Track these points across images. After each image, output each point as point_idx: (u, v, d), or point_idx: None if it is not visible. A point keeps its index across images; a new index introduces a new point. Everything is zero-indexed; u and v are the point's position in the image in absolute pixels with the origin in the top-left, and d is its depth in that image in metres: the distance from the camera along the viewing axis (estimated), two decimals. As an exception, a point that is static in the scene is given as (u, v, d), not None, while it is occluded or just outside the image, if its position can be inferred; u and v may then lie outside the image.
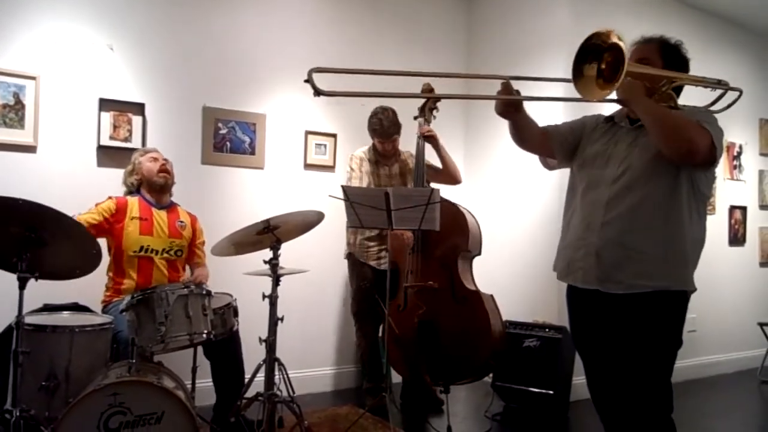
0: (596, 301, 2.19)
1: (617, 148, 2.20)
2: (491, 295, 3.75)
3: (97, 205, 3.28)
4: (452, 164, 4.22)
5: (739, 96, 2.28)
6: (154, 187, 3.41)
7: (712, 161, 2.03)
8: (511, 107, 2.25)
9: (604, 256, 2.14)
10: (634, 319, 2.11)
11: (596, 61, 1.99)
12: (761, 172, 5.90)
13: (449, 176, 4.22)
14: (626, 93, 2.08)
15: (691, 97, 2.31)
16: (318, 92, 1.98)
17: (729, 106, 2.30)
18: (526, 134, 2.38)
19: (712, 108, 2.27)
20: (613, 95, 2.03)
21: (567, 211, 2.36)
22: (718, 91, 2.30)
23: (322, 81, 1.98)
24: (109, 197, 3.35)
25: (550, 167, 2.54)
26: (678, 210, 2.07)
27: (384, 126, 4.01)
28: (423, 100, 4.10)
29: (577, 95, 2.04)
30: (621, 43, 1.92)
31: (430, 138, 4.02)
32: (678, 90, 2.25)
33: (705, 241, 2.18)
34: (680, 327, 2.14)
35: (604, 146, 2.25)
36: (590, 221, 2.19)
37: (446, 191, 4.00)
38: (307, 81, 1.95)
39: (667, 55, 2.23)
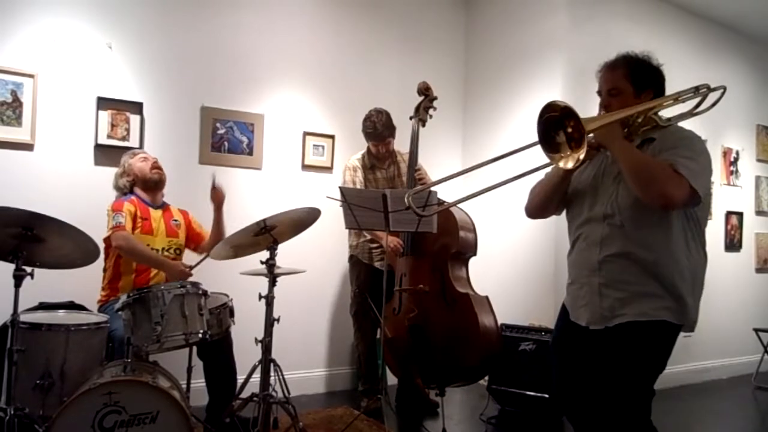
0: (586, 335, 2.19)
1: (604, 182, 2.19)
2: (486, 297, 3.73)
3: (117, 211, 3.20)
4: None
5: (723, 93, 2.23)
6: (149, 185, 3.41)
7: (696, 202, 2.01)
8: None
9: (607, 294, 2.13)
10: (627, 347, 2.10)
11: (561, 129, 1.96)
12: (758, 178, 5.92)
13: None
14: (603, 137, 2.08)
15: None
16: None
17: (713, 105, 2.26)
18: (561, 194, 2.32)
19: (697, 110, 2.25)
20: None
21: (570, 240, 2.35)
22: (702, 92, 2.25)
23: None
24: (120, 204, 3.26)
25: (557, 214, 2.47)
26: (675, 242, 2.06)
27: (378, 129, 4.03)
28: (419, 99, 4.11)
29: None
30: (569, 106, 1.90)
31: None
32: (662, 93, 2.21)
33: (705, 268, 2.19)
34: (669, 353, 2.14)
35: (593, 179, 2.24)
36: (588, 259, 2.19)
37: (445, 194, 4.00)
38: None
39: (636, 77, 2.17)
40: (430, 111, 4.11)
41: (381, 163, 4.17)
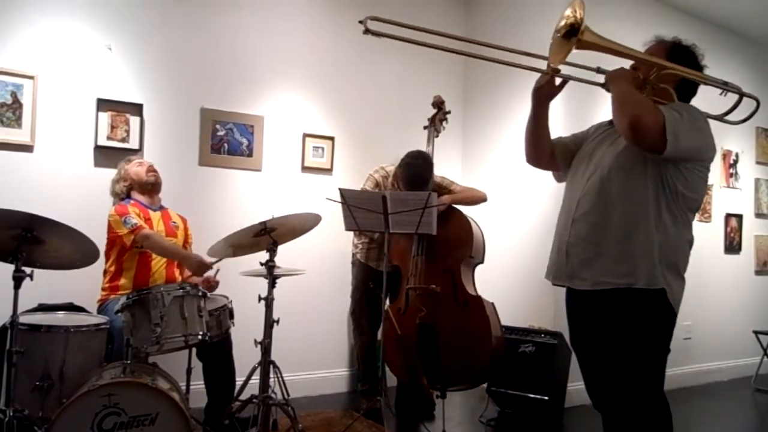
0: (574, 298, 2.21)
1: (601, 148, 2.21)
2: (492, 303, 3.75)
3: (124, 215, 3.22)
4: (470, 196, 4.13)
5: (757, 107, 2.19)
6: (146, 188, 3.44)
7: (662, 147, 1.93)
8: (551, 92, 2.26)
9: (572, 253, 2.14)
10: (606, 318, 2.09)
11: (576, 37, 2.12)
12: (757, 181, 5.92)
13: (473, 203, 4.14)
14: (611, 77, 2.11)
15: (707, 107, 2.21)
16: (368, 31, 2.16)
17: (747, 118, 2.21)
18: (542, 141, 2.35)
19: (728, 117, 2.22)
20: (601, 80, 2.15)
21: None
22: (734, 100, 2.23)
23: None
24: (124, 208, 3.28)
25: (560, 180, 2.49)
26: (644, 207, 2.03)
27: (416, 180, 3.80)
28: (433, 112, 4.12)
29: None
30: (578, 15, 2.12)
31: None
32: (687, 93, 2.20)
33: (686, 243, 2.12)
34: (660, 330, 2.07)
35: (592, 147, 2.26)
36: (566, 219, 2.21)
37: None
38: (361, 22, 2.13)
39: (674, 56, 2.18)
40: (444, 123, 4.13)
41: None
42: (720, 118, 2.23)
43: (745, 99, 2.24)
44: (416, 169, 3.82)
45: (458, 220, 3.82)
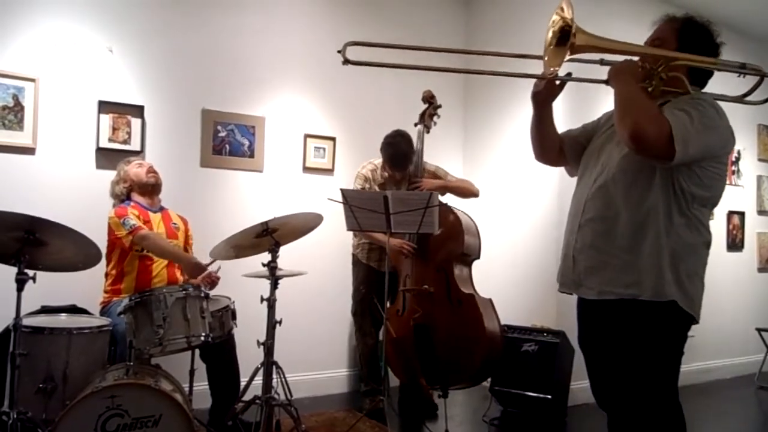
0: (583, 306, 2.16)
1: (609, 144, 2.09)
2: (489, 299, 3.75)
3: (123, 216, 3.22)
4: (462, 186, 4.16)
5: None
6: (146, 189, 3.43)
7: (670, 155, 1.79)
8: (551, 95, 2.16)
9: (579, 260, 2.05)
10: (614, 327, 2.00)
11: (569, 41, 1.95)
12: (759, 178, 5.92)
13: (464, 194, 4.17)
14: (613, 71, 1.97)
15: (727, 88, 2.08)
16: (347, 61, 2.08)
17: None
18: (548, 140, 2.26)
19: (748, 98, 2.07)
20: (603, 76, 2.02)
21: None
22: (754, 81, 2.04)
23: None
24: (124, 209, 3.28)
25: (572, 174, 2.36)
26: (653, 213, 1.91)
27: (398, 157, 3.94)
28: (423, 107, 4.12)
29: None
30: (567, 16, 1.92)
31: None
32: (702, 77, 2.06)
33: (702, 245, 2.02)
34: (670, 340, 1.97)
35: (601, 142, 2.15)
36: (573, 224, 2.12)
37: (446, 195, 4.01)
38: (339, 51, 2.04)
39: (685, 35, 2.03)
40: (435, 118, 4.12)
41: (392, 179, 4.12)
42: (739, 99, 2.09)
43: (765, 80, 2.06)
44: (396, 148, 3.93)
45: (446, 216, 3.76)
